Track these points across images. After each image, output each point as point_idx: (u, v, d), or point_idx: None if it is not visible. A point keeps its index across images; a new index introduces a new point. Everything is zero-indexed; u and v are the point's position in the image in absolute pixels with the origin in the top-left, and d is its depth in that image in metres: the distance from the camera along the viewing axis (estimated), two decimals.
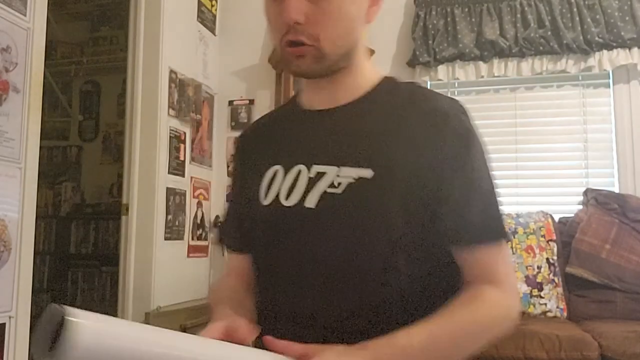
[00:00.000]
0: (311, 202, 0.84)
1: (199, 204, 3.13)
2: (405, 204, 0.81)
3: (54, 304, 0.55)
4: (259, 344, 0.73)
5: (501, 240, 0.86)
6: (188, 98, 3.00)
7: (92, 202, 4.26)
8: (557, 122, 3.08)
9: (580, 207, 2.84)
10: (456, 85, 3.18)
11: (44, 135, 2.02)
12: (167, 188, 2.79)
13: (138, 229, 2.66)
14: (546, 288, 2.56)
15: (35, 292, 1.96)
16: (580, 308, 2.58)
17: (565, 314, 2.56)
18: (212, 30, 3.34)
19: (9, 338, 1.76)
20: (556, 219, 2.78)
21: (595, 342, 2.12)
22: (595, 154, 3.01)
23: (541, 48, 2.94)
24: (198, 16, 3.17)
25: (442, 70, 3.07)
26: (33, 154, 1.92)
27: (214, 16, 3.38)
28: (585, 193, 2.84)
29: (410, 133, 0.84)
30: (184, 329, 2.50)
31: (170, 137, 2.82)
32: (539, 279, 2.57)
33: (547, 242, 2.65)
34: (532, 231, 2.66)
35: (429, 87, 1.02)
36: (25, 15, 1.92)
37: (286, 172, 0.89)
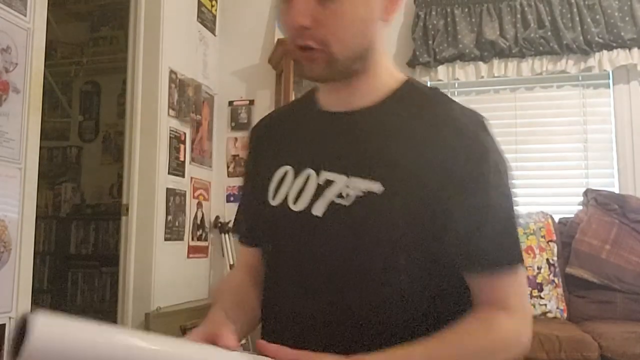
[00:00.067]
0: (318, 210, 0.82)
1: (199, 205, 3.13)
2: (414, 224, 0.78)
3: (27, 311, 0.56)
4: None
5: (516, 265, 0.81)
6: (188, 98, 3.00)
7: (92, 202, 4.26)
8: (557, 122, 3.08)
9: (580, 207, 2.84)
10: (456, 85, 3.19)
11: (44, 135, 2.02)
12: (167, 188, 2.79)
13: (138, 229, 2.66)
14: (546, 289, 2.56)
15: (35, 292, 1.96)
16: (580, 309, 2.58)
17: (565, 314, 2.56)
18: (212, 30, 3.35)
19: (9, 338, 1.77)
20: (556, 219, 2.78)
21: (595, 342, 2.12)
22: (595, 154, 3.02)
23: (541, 48, 2.94)
24: (198, 16, 3.17)
25: (442, 71, 3.07)
26: (33, 154, 1.92)
27: (214, 16, 3.38)
28: (586, 193, 2.84)
29: (423, 148, 0.80)
30: (183, 330, 2.50)
31: (170, 137, 2.82)
32: (539, 280, 2.57)
33: (547, 242, 2.65)
34: (532, 232, 2.66)
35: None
36: (25, 15, 1.92)
37: (296, 174, 0.87)
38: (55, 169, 4.30)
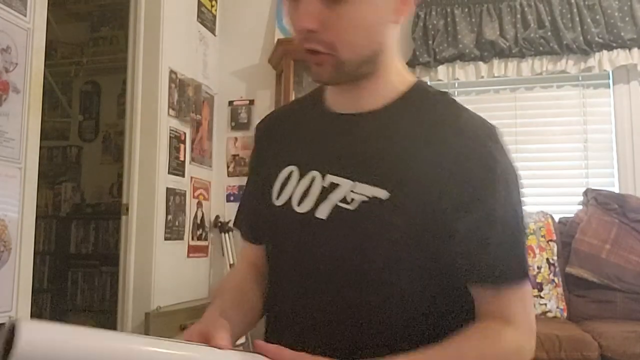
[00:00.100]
0: (322, 213, 0.82)
1: (199, 204, 3.13)
2: (418, 232, 0.77)
3: (14, 318, 0.57)
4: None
5: (522, 281, 0.80)
6: (188, 98, 3.00)
7: (92, 202, 4.26)
8: (557, 122, 3.08)
9: (580, 207, 2.85)
10: (456, 85, 3.19)
11: (44, 135, 2.02)
12: (167, 188, 2.79)
13: (138, 229, 2.66)
14: (546, 288, 2.56)
15: (35, 292, 1.96)
16: (580, 308, 2.58)
17: (565, 314, 2.56)
18: (212, 30, 3.35)
19: None
20: (556, 219, 2.78)
21: (595, 342, 2.12)
22: (595, 154, 3.02)
23: (541, 48, 2.94)
24: (198, 16, 3.17)
25: (442, 71, 3.08)
26: (33, 154, 1.92)
27: (214, 16, 3.38)
28: (585, 193, 2.84)
29: (431, 156, 0.79)
30: (183, 329, 2.50)
31: (170, 137, 2.82)
32: (539, 279, 2.57)
33: (547, 242, 2.65)
34: (532, 231, 2.66)
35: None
36: (25, 15, 1.92)
37: (301, 175, 0.86)
38: (55, 169, 4.30)
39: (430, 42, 3.06)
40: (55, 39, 4.06)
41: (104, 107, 4.36)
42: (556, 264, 2.61)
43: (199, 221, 3.11)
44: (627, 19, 2.88)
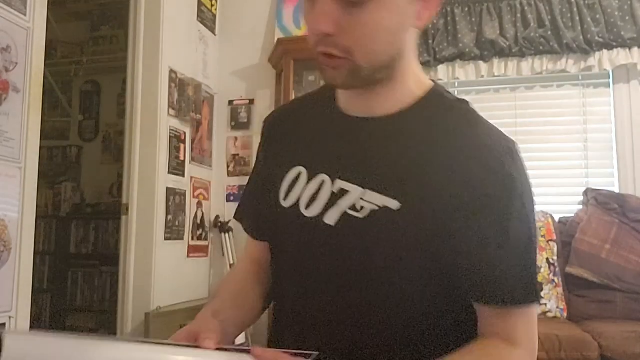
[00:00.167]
0: (331, 219, 0.80)
1: (199, 204, 3.13)
2: (427, 244, 0.76)
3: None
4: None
5: (531, 302, 0.78)
6: (188, 98, 3.00)
7: (92, 202, 4.26)
8: (557, 122, 3.08)
9: (580, 207, 2.85)
10: (456, 85, 3.19)
11: (44, 135, 2.02)
12: (167, 188, 2.79)
13: (138, 229, 2.66)
14: (546, 288, 2.56)
15: (35, 292, 1.96)
16: (580, 308, 2.58)
17: (565, 314, 2.56)
18: (212, 30, 3.34)
19: None
20: (556, 219, 2.78)
21: (595, 342, 2.12)
22: (595, 154, 3.02)
23: (541, 48, 2.94)
24: (198, 16, 3.17)
25: (442, 70, 3.08)
26: (33, 154, 1.92)
27: (214, 16, 3.38)
28: (586, 193, 2.84)
29: (445, 168, 0.76)
30: None
31: (170, 137, 2.82)
32: (539, 279, 2.57)
33: (547, 242, 2.65)
34: None
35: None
36: (25, 15, 1.92)
37: (309, 178, 0.84)
38: (55, 169, 4.30)
39: (430, 41, 3.06)
40: (55, 38, 4.07)
41: (104, 107, 4.36)
42: (556, 264, 2.61)
43: (199, 221, 3.11)
44: (627, 18, 2.88)
